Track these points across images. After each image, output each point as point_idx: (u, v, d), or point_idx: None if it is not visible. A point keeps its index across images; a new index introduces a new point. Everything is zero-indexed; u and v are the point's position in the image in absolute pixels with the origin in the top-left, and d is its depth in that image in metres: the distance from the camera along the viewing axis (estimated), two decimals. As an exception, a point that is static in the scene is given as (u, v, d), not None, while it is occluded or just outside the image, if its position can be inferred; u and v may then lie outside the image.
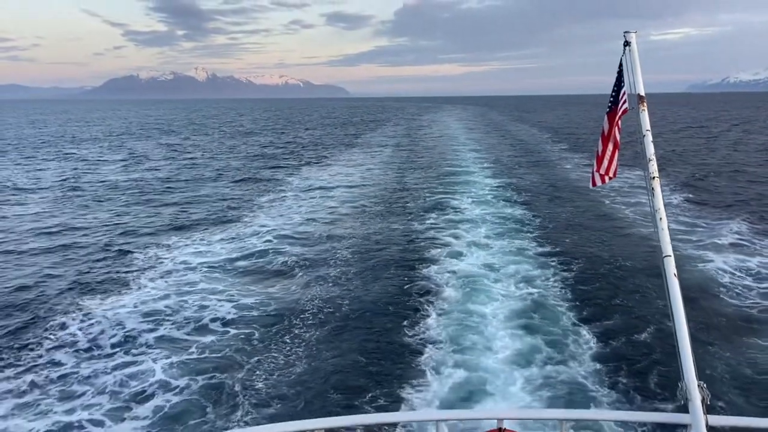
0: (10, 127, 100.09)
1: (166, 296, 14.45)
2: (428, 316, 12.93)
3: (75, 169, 41.29)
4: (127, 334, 12.16)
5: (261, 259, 17.66)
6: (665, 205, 4.03)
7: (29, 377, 10.25)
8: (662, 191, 4.04)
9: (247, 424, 8.81)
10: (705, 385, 3.52)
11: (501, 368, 10.41)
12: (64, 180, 35.57)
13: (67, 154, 52.63)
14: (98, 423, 8.82)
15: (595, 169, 4.77)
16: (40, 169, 41.00)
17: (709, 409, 3.47)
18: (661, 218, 3.96)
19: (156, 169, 40.67)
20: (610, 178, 4.76)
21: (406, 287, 14.94)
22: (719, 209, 24.14)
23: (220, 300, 14.16)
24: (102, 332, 12.19)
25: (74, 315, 13.24)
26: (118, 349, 11.45)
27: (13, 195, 30.35)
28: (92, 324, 12.65)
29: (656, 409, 9.09)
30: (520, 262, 16.60)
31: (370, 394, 9.73)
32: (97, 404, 9.33)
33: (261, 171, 38.88)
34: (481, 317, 12.66)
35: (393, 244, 19.33)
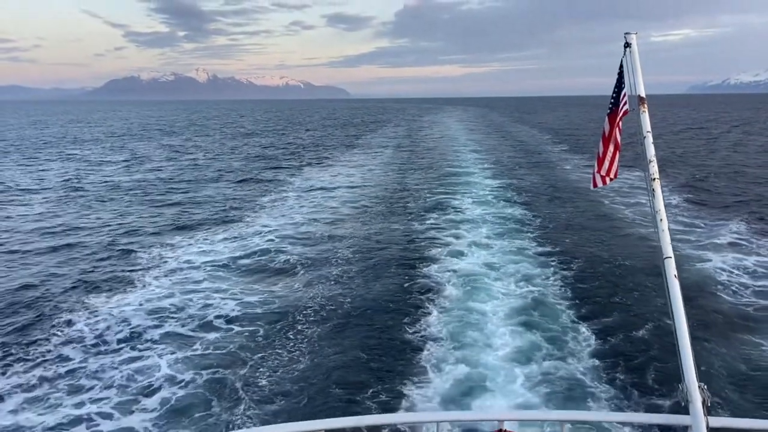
0: (12, 128, 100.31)
1: (171, 294, 14.63)
2: (429, 313, 13.10)
3: (78, 169, 41.49)
4: (132, 330, 12.35)
5: (264, 259, 17.84)
6: (665, 205, 4.06)
7: (38, 372, 10.45)
8: (662, 192, 4.06)
9: (249, 419, 8.97)
10: (705, 387, 3.52)
11: (501, 365, 10.55)
12: (67, 180, 35.76)
13: (69, 154, 52.84)
14: (107, 416, 9.02)
15: (595, 171, 4.78)
16: (42, 170, 41.20)
17: (709, 411, 3.49)
18: (661, 219, 3.96)
19: (158, 170, 40.87)
20: (611, 179, 4.76)
21: (407, 285, 15.11)
22: (718, 209, 24.30)
23: (223, 298, 14.35)
24: (108, 329, 12.39)
25: (80, 312, 13.43)
26: (124, 345, 11.65)
27: (17, 195, 30.55)
28: (98, 321, 12.85)
29: (654, 404, 9.25)
30: (520, 262, 16.76)
31: (371, 390, 9.87)
32: (106, 398, 9.53)
33: (263, 172, 39.07)
34: (481, 314, 12.84)
35: (394, 243, 19.50)
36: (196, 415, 9.13)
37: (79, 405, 9.33)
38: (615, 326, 12.25)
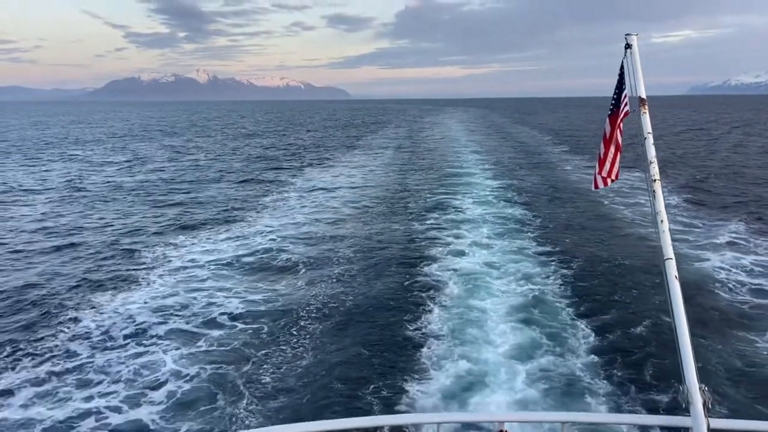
0: (14, 129, 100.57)
1: (175, 293, 14.81)
2: (430, 311, 13.26)
3: (80, 170, 41.69)
4: (138, 327, 12.54)
5: (266, 258, 18.02)
6: (665, 206, 4.05)
7: (47, 367, 10.64)
8: (662, 193, 4.04)
9: (251, 413, 9.12)
10: (706, 388, 3.48)
11: (501, 361, 10.70)
12: (70, 181, 35.95)
13: (71, 155, 53.06)
14: (115, 409, 9.22)
15: (597, 172, 4.77)
16: (45, 171, 41.40)
17: (710, 412, 3.46)
18: (662, 220, 3.95)
19: (160, 170, 41.07)
20: (612, 181, 4.76)
21: (407, 284, 15.28)
22: (717, 210, 24.47)
23: (227, 296, 14.53)
24: (114, 325, 12.58)
25: (86, 310, 13.62)
26: (130, 341, 11.84)
27: (21, 196, 30.73)
28: (104, 318, 13.05)
29: (652, 400, 9.41)
30: (520, 261, 16.93)
31: (372, 386, 10.00)
32: (114, 392, 9.73)
33: (264, 172, 39.26)
34: (482, 312, 13.01)
35: (395, 242, 19.68)
36: (202, 408, 9.32)
37: (88, 399, 9.53)
38: (614, 324, 12.38)
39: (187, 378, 10.28)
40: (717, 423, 3.62)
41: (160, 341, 11.85)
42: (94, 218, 24.85)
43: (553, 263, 16.70)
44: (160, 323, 12.77)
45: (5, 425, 8.86)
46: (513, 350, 11.16)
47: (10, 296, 14.87)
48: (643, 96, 4.24)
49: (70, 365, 10.75)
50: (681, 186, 30.56)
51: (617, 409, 9.19)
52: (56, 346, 11.59)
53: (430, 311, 13.26)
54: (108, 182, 35.46)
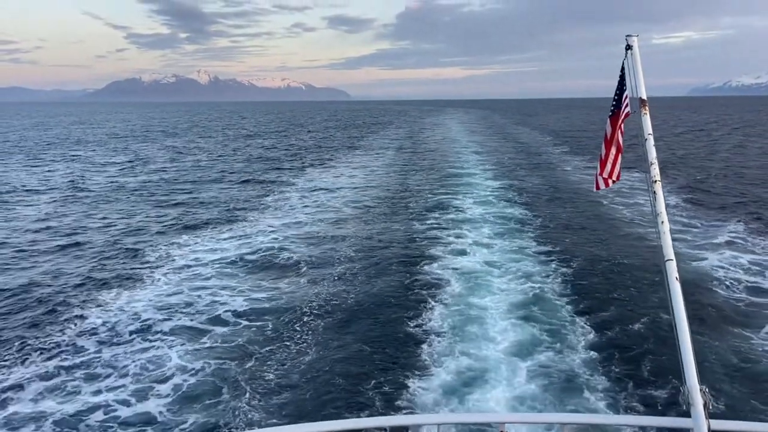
0: (16, 130, 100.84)
1: (179, 290, 15.02)
2: (431, 309, 13.43)
3: (84, 170, 41.91)
4: (143, 324, 12.76)
5: (269, 257, 18.20)
6: (665, 206, 4.08)
7: (55, 362, 10.85)
8: (662, 193, 4.06)
9: (253, 408, 9.29)
10: (707, 390, 3.46)
11: (502, 357, 10.87)
12: (73, 181, 36.15)
13: (73, 156, 53.30)
14: (123, 402, 9.44)
15: (598, 173, 4.77)
16: (49, 171, 41.63)
17: (710, 414, 3.46)
18: (663, 222, 3.93)
19: (163, 171, 41.29)
20: (614, 182, 4.76)
21: (409, 282, 15.46)
22: (716, 210, 24.63)
23: (231, 294, 14.72)
24: (120, 322, 12.80)
25: (92, 308, 13.82)
26: (136, 337, 12.06)
27: (25, 196, 30.94)
28: (110, 315, 13.26)
29: (651, 396, 9.57)
30: (521, 260, 17.10)
31: (374, 381, 10.15)
32: (121, 386, 9.96)
33: (266, 173, 39.47)
34: (482, 309, 13.19)
35: (396, 242, 19.86)
36: (207, 401, 9.54)
37: (97, 393, 9.75)
38: (614, 322, 12.52)
39: (193, 372, 10.50)
40: (717, 424, 3.63)
41: (165, 337, 12.06)
42: (98, 218, 25.06)
43: (553, 262, 16.87)
44: (165, 320, 12.98)
45: (17, 418, 9.07)
46: (513, 347, 11.32)
47: (17, 294, 15.08)
48: (644, 97, 4.24)
49: (78, 360, 10.97)
50: (681, 186, 30.73)
51: (616, 405, 9.32)
52: (64, 342, 11.81)
53: (431, 309, 13.43)
54: (111, 182, 35.67)
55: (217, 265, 17.27)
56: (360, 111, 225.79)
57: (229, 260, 17.81)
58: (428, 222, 22.72)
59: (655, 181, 4.06)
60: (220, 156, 52.03)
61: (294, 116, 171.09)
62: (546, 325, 12.30)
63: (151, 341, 11.86)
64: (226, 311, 13.54)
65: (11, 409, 9.35)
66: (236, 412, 9.21)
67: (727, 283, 15.03)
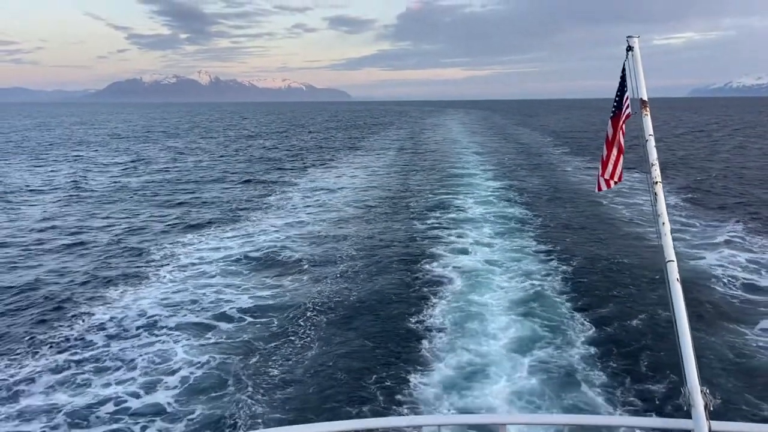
0: (18, 130, 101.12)
1: (184, 288, 15.25)
2: (433, 306, 13.63)
3: (86, 170, 42.14)
4: (150, 320, 12.99)
5: (272, 256, 18.41)
6: (666, 206, 4.10)
7: (65, 357, 11.09)
8: (663, 194, 4.05)
9: (257, 402, 9.48)
10: (708, 391, 3.46)
11: (502, 353, 11.05)
12: (76, 181, 36.38)
13: (76, 156, 53.55)
14: (133, 394, 9.69)
15: (600, 174, 4.78)
16: (52, 171, 41.87)
17: (711, 415, 3.46)
18: (663, 223, 3.91)
19: (165, 171, 41.53)
20: (615, 183, 4.76)
21: (410, 280, 15.66)
22: (716, 210, 24.82)
23: (235, 292, 14.95)
24: (127, 318, 13.06)
25: (99, 305, 14.05)
26: (143, 332, 12.33)
27: (29, 196, 31.18)
28: (117, 312, 13.50)
29: (649, 391, 9.75)
30: (521, 259, 17.29)
31: (375, 376, 10.32)
32: (130, 378, 10.22)
33: (268, 173, 39.69)
34: (483, 306, 13.39)
35: (398, 241, 20.07)
36: (213, 394, 9.79)
37: (107, 385, 10.00)
38: (613, 319, 12.64)
39: (199, 365, 10.75)
40: (718, 425, 3.62)
41: (171, 332, 12.31)
42: (102, 217, 25.28)
43: (553, 261, 17.07)
44: (171, 316, 13.23)
45: (29, 411, 9.29)
46: (513, 343, 11.50)
47: (25, 291, 15.31)
48: (645, 98, 4.23)
49: (87, 354, 11.22)
50: (680, 186, 30.92)
51: (614, 400, 9.46)
52: (73, 336, 12.06)
53: (433, 306, 13.63)
54: (114, 182, 35.91)
55: (222, 264, 17.49)
56: (361, 111, 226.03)
57: (233, 259, 18.04)
58: (429, 221, 22.93)
59: (656, 183, 4.06)
60: (221, 156, 52.27)
61: (295, 117, 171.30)
62: (546, 322, 12.47)
63: (157, 336, 12.11)
64: (231, 308, 13.77)
65: (24, 402, 9.58)
66: (241, 405, 9.43)
67: (725, 280, 15.24)
